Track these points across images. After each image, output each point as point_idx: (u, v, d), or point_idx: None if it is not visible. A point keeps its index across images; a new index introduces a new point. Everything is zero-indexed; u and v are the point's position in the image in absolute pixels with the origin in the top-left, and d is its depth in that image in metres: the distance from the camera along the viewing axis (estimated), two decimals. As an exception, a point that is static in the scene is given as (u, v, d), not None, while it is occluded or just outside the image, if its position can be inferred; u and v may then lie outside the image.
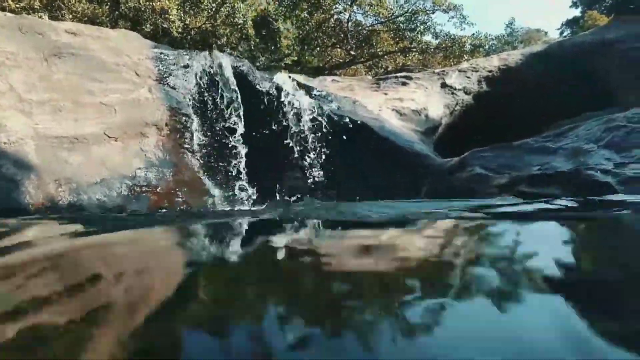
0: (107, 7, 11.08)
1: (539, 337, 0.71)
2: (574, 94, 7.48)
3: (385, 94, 7.73)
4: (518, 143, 5.12)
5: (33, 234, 2.26)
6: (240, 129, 5.37)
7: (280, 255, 1.54)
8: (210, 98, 5.54)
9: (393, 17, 15.04)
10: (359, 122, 6.27)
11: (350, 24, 15.05)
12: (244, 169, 5.31)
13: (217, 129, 5.49)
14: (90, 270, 1.32)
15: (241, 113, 5.49)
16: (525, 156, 4.83)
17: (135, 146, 4.79)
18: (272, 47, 13.30)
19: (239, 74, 5.74)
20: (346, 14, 14.85)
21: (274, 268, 1.34)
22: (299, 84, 6.47)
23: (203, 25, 12.07)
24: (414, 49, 15.47)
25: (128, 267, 1.36)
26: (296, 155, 5.79)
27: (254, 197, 5.20)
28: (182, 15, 11.52)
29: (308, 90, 6.49)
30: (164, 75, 5.38)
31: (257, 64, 11.74)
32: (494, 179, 4.66)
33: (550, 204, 2.89)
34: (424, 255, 1.47)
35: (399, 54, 15.85)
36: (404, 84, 8.06)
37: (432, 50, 15.55)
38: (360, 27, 15.45)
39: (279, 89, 5.95)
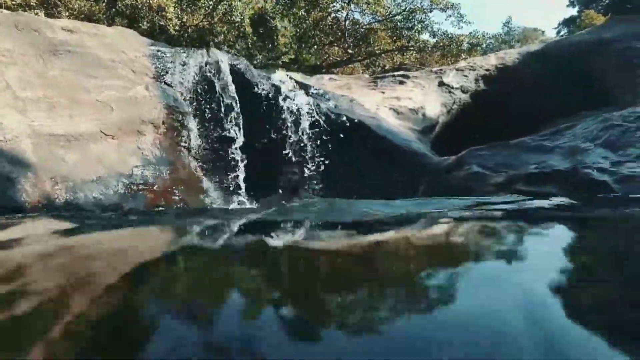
0: (104, 4, 11.03)
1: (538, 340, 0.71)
2: (571, 93, 7.49)
3: (383, 92, 7.72)
4: (515, 142, 5.13)
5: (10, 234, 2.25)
6: (240, 138, 5.34)
7: (271, 254, 1.53)
8: (207, 96, 5.52)
9: (390, 15, 15.03)
10: (356, 120, 6.26)
11: (347, 22, 15.04)
12: (242, 162, 5.29)
13: (214, 127, 5.48)
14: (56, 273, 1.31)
15: (238, 111, 5.47)
16: (522, 155, 4.84)
17: (132, 144, 4.77)
18: (270, 45, 13.27)
19: (236, 72, 5.73)
20: (343, 12, 14.84)
21: (264, 268, 1.33)
22: (296, 82, 6.46)
23: (200, 23, 12.03)
24: (412, 48, 15.46)
25: (95, 270, 1.35)
26: (293, 152, 5.78)
27: (251, 194, 5.19)
28: (179, 12, 11.48)
29: (305, 88, 6.48)
30: (161, 73, 5.37)
31: (255, 62, 11.71)
32: (491, 178, 4.67)
33: (548, 202, 2.90)
34: (420, 254, 1.47)
35: (396, 52, 15.84)
36: (401, 82, 8.06)
37: (429, 48, 15.55)
38: (357, 26, 15.43)
39: (276, 87, 5.94)
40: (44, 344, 0.74)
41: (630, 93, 6.73)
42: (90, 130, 4.53)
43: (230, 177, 5.30)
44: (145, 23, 11.02)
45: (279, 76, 6.21)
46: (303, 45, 14.60)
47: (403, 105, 7.48)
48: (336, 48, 15.95)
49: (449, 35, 15.06)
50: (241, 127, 5.42)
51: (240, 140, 5.38)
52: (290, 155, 5.75)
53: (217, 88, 5.54)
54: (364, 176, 6.08)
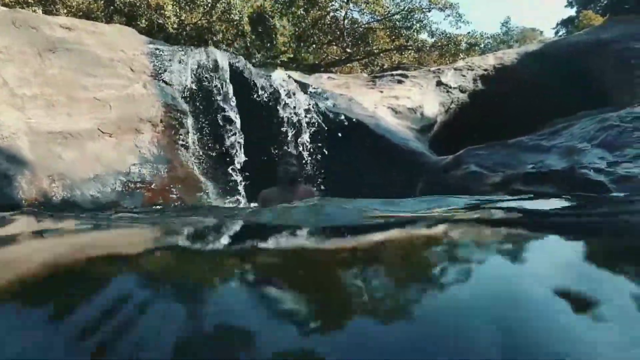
0: (102, 2, 11.01)
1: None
2: (569, 93, 7.51)
3: (381, 91, 7.73)
4: (513, 141, 5.14)
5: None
6: (238, 137, 5.34)
7: (266, 256, 1.53)
8: (206, 95, 5.52)
9: (389, 15, 15.03)
10: (354, 119, 6.27)
11: (346, 21, 15.03)
12: (240, 161, 5.29)
13: (212, 126, 5.48)
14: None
15: (237, 110, 5.47)
16: (519, 154, 4.85)
17: (130, 142, 4.76)
18: (268, 44, 13.27)
19: (234, 71, 5.72)
20: (342, 12, 14.83)
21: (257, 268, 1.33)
22: (295, 81, 6.46)
23: (199, 21, 12.02)
24: (410, 47, 15.47)
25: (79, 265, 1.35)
26: (293, 146, 5.79)
27: (250, 192, 5.18)
28: (177, 11, 11.47)
29: (304, 87, 6.49)
30: (159, 71, 5.36)
31: (253, 60, 11.70)
32: (489, 177, 4.67)
33: (559, 202, 2.91)
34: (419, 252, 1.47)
35: (394, 52, 15.85)
36: (399, 81, 8.07)
37: (428, 48, 15.56)
38: (356, 25, 15.44)
39: (275, 86, 5.94)
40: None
41: (628, 93, 6.74)
42: (88, 128, 4.53)
43: (228, 175, 5.30)
44: (143, 21, 11.01)
45: (278, 75, 6.21)
46: (302, 44, 14.60)
47: (401, 104, 7.49)
48: (335, 47, 15.95)
49: (448, 35, 15.08)
50: (239, 125, 5.42)
51: (238, 138, 5.37)
52: (288, 147, 5.75)
53: (215, 87, 5.54)
54: (362, 175, 6.09)
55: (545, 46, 8.97)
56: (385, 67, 15.46)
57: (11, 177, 3.81)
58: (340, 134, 6.00)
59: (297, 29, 14.13)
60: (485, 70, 8.61)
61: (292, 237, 1.91)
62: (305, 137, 5.79)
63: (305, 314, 0.84)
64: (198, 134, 5.39)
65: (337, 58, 15.94)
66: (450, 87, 8.26)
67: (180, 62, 5.53)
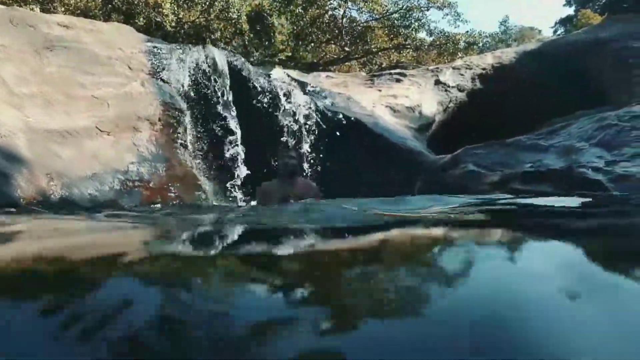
0: (100, 0, 10.98)
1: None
2: (568, 92, 7.52)
3: (379, 90, 7.73)
4: (511, 140, 5.14)
5: None
6: (237, 136, 5.34)
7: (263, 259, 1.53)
8: (204, 93, 5.51)
9: (387, 13, 15.02)
10: (352, 118, 6.27)
11: (344, 20, 15.01)
12: (238, 159, 5.29)
13: (211, 124, 5.47)
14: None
15: (234, 109, 5.46)
16: (518, 154, 4.86)
17: (128, 140, 4.76)
18: (267, 43, 13.25)
19: (232, 69, 5.72)
20: (341, 10, 14.82)
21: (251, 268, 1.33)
22: (293, 79, 6.46)
23: (197, 20, 11.99)
24: (408, 46, 15.46)
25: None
26: (292, 138, 5.79)
27: (249, 189, 5.18)
28: (175, 9, 11.44)
29: (302, 86, 6.48)
30: (157, 70, 5.35)
31: (251, 59, 11.68)
32: (487, 176, 4.68)
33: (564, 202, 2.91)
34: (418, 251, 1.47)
35: (393, 50, 15.84)
36: (398, 80, 8.07)
37: (426, 47, 15.55)
38: (354, 24, 15.42)
39: (273, 85, 5.93)
40: None
41: (626, 93, 6.75)
42: (86, 126, 4.52)
43: (226, 173, 5.29)
44: (141, 19, 10.98)
45: (276, 74, 6.21)
46: (300, 42, 14.58)
47: (400, 103, 7.49)
48: (333, 46, 15.93)
49: (446, 34, 15.07)
50: (237, 124, 5.41)
51: (237, 137, 5.37)
52: (287, 140, 5.75)
53: (213, 85, 5.53)
54: (360, 174, 6.09)
55: (543, 45, 8.98)
56: (383, 65, 15.44)
57: (9, 176, 3.80)
58: (338, 133, 6.00)
59: (295, 28, 14.11)
60: (484, 69, 8.61)
61: (292, 237, 1.92)
62: (306, 147, 5.79)
63: (305, 313, 0.84)
64: (196, 132, 5.39)
65: (335, 57, 15.92)
66: (449, 86, 8.27)
67: (178, 60, 5.52)
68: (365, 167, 6.14)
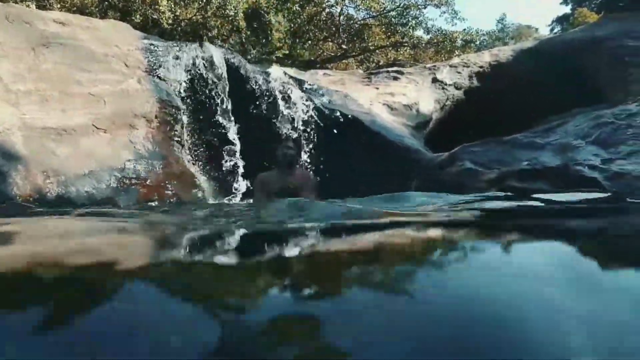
0: (96, -3, 10.94)
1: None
2: (564, 90, 7.53)
3: (377, 88, 7.73)
4: (508, 138, 5.16)
5: None
6: (234, 134, 5.32)
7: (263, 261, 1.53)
8: (201, 90, 5.50)
9: (385, 11, 15.01)
10: (350, 116, 6.26)
11: (342, 17, 15.00)
12: (236, 158, 5.28)
13: (208, 122, 5.46)
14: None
15: (231, 106, 5.45)
16: (514, 151, 4.87)
17: (124, 138, 4.74)
18: (264, 40, 13.23)
19: (230, 67, 5.70)
20: (338, 8, 14.80)
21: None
22: (290, 77, 6.45)
23: (193, 17, 11.96)
24: (406, 44, 15.48)
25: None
26: (290, 129, 5.79)
27: (247, 187, 5.17)
28: (172, 6, 11.41)
29: (299, 83, 6.47)
30: (154, 67, 5.33)
31: (248, 56, 11.66)
32: (484, 174, 4.69)
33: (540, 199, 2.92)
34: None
35: (390, 48, 15.85)
36: (395, 78, 8.06)
37: (423, 45, 15.57)
38: (352, 21, 15.40)
39: (270, 82, 5.92)
40: None
41: (621, 91, 6.77)
42: (82, 123, 4.50)
43: (224, 171, 5.28)
44: (138, 16, 10.94)
45: (273, 71, 6.19)
46: (297, 40, 14.57)
47: (397, 101, 7.49)
48: (330, 43, 15.92)
49: (443, 32, 15.09)
50: (234, 122, 5.40)
51: (233, 134, 5.35)
52: (285, 132, 5.75)
53: (210, 82, 5.51)
54: (357, 172, 6.09)
55: (540, 43, 8.99)
56: (380, 63, 15.44)
57: (5, 173, 3.79)
58: (335, 131, 6.00)
59: (292, 25, 14.09)
60: (481, 67, 8.62)
61: (292, 237, 1.91)
62: (305, 157, 5.79)
63: (305, 313, 0.84)
64: (193, 129, 5.38)
65: (332, 54, 15.91)
66: (446, 84, 8.27)
67: (175, 57, 5.50)
68: (362, 164, 6.13)
